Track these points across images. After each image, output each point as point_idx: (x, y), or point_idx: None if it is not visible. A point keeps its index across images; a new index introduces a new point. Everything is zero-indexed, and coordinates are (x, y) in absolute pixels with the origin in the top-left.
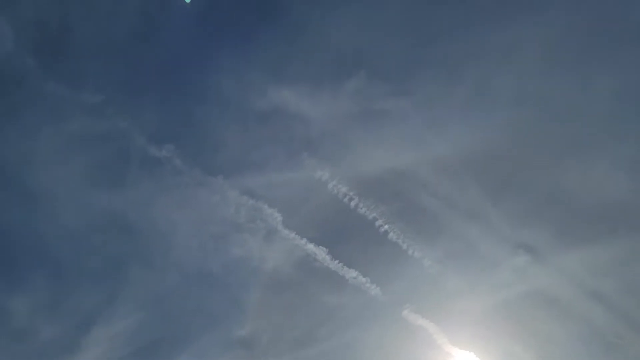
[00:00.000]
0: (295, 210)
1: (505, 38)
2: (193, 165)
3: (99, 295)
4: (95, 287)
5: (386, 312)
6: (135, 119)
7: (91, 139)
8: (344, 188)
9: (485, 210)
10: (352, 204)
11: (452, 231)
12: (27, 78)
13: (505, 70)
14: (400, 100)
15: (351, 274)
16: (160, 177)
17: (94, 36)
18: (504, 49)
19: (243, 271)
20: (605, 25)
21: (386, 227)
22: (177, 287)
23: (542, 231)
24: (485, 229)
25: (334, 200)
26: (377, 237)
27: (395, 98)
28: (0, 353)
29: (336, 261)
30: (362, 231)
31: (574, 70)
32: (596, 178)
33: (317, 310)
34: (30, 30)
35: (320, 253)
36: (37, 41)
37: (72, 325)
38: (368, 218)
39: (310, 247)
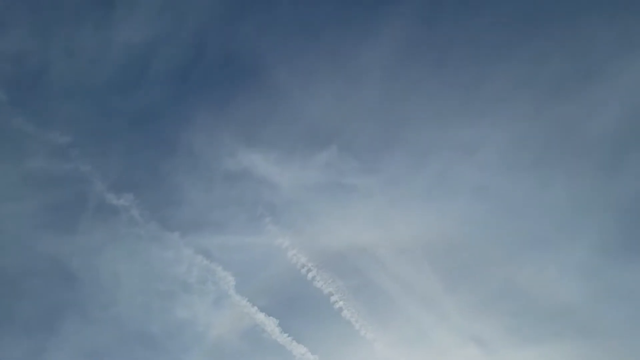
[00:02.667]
0: (250, 275)
1: (470, 134)
2: (150, 218)
3: (27, 346)
4: (24, 336)
5: None
6: (98, 164)
7: (50, 179)
8: (303, 258)
9: (440, 298)
10: (310, 275)
11: (406, 315)
12: None
13: (468, 164)
14: (367, 177)
15: (300, 349)
16: (114, 226)
17: (72, 78)
18: (468, 144)
19: (186, 335)
20: (564, 134)
21: (341, 303)
22: (113, 345)
23: (494, 326)
24: (438, 317)
25: (291, 270)
26: (331, 313)
27: (363, 175)
28: None
29: (286, 334)
30: (317, 305)
31: (533, 172)
32: (549, 278)
33: None
34: (7, 64)
35: (270, 324)
36: (12, 75)
37: None
38: (324, 292)
39: (261, 316)
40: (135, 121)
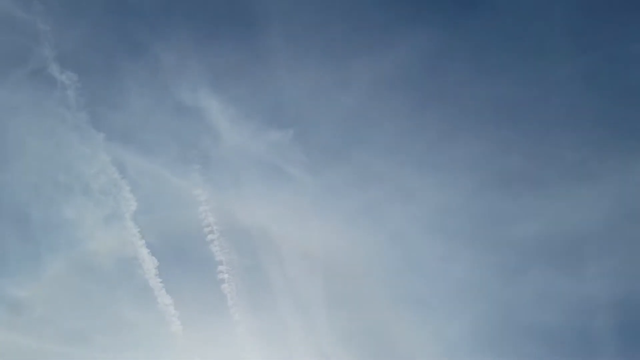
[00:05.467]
0: (153, 210)
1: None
2: (84, 107)
3: None
4: None
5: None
6: (59, 31)
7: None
8: (211, 218)
9: (316, 312)
10: (209, 237)
11: (278, 315)
12: None
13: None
14: (309, 175)
15: (166, 300)
16: (43, 96)
17: None
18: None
19: (62, 236)
20: None
21: (226, 276)
22: None
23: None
24: (306, 328)
25: (194, 224)
26: (212, 280)
27: (306, 171)
28: None
29: (159, 280)
30: (202, 267)
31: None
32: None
33: (110, 317)
34: None
35: (149, 264)
36: None
37: None
38: (214, 258)
39: (144, 252)
40: (117, 11)
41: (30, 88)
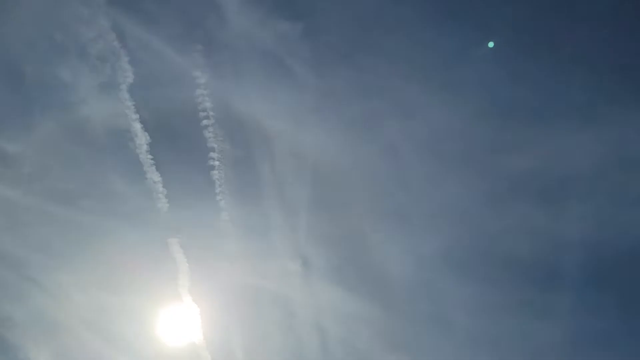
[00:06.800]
0: (150, 85)
1: None
2: None
3: None
4: None
5: (154, 233)
6: None
7: None
8: (208, 103)
9: (294, 211)
10: (204, 122)
11: (260, 208)
12: None
13: None
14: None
15: (155, 177)
16: None
17: None
18: None
19: (54, 95)
20: None
21: (217, 163)
22: None
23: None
24: (284, 225)
25: (190, 105)
26: (202, 166)
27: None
28: None
29: (150, 156)
30: (194, 151)
31: None
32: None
33: (98, 184)
34: None
35: (142, 139)
36: None
37: None
38: (207, 144)
39: (137, 127)
40: None
41: None
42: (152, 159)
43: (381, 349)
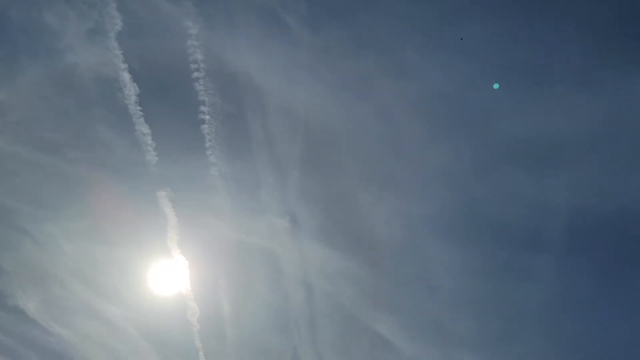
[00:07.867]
0: (138, 33)
1: None
2: None
3: None
4: None
5: (143, 185)
6: None
7: None
8: (199, 55)
9: (286, 169)
10: (195, 74)
11: (250, 163)
12: None
13: None
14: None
15: (144, 128)
16: None
17: None
18: None
19: (41, 41)
20: None
21: (207, 117)
22: None
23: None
24: (275, 183)
25: (180, 56)
26: (192, 119)
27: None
28: None
29: (139, 108)
30: (183, 104)
31: None
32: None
33: (85, 134)
34: None
35: (130, 90)
36: None
37: None
38: (197, 97)
39: (126, 76)
40: None
41: None
42: (141, 111)
43: (366, 306)
